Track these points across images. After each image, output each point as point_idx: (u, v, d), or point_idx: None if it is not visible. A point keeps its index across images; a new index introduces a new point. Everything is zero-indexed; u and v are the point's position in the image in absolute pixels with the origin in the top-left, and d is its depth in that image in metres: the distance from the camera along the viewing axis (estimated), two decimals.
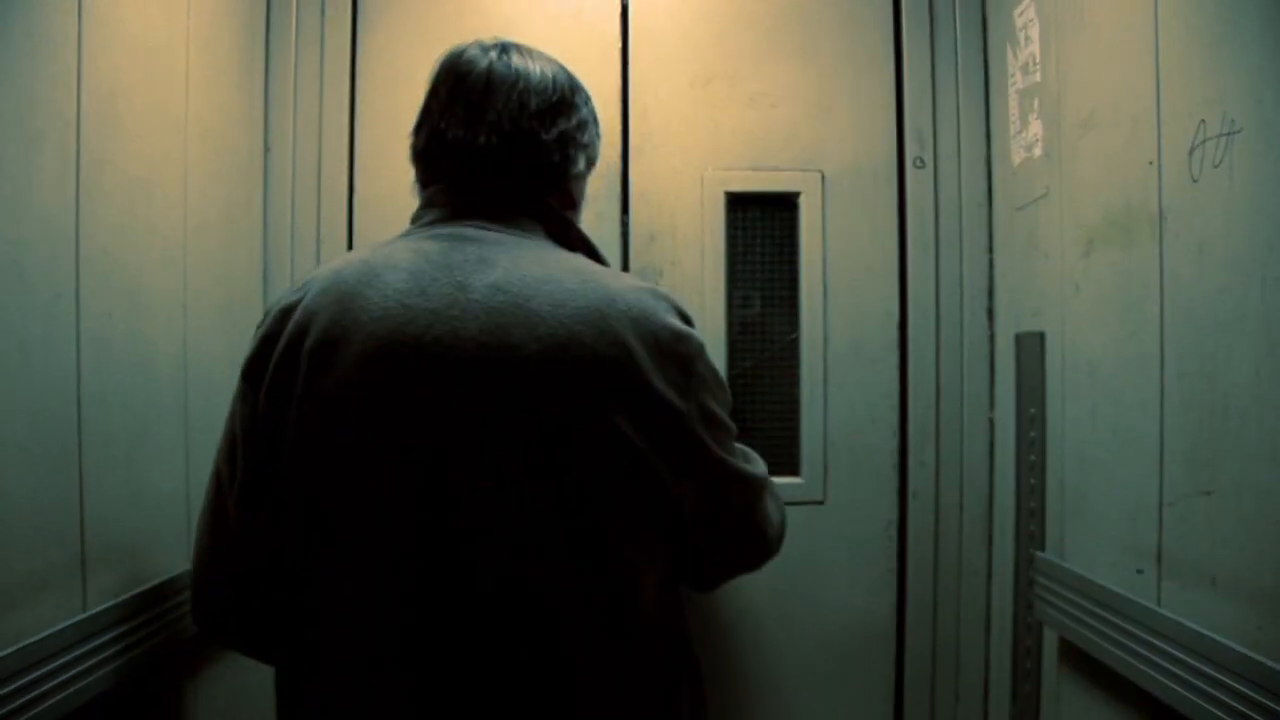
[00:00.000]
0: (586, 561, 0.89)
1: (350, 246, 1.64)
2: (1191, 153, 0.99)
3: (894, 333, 1.66)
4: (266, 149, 1.60)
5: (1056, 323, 1.35)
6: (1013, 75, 1.51)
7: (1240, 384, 0.92)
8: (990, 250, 1.64)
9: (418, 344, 0.87)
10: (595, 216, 1.62)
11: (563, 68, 1.06)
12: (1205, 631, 0.95)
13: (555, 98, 1.01)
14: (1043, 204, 1.40)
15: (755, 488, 1.03)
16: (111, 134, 1.08)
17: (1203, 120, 0.97)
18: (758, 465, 1.06)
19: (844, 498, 1.66)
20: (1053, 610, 1.31)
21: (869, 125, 1.67)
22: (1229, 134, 0.93)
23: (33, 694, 0.89)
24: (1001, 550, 1.59)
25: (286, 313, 0.93)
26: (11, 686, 0.86)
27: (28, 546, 0.92)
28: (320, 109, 1.63)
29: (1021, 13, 1.46)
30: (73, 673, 0.96)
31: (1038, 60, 1.40)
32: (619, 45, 1.67)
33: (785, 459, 1.67)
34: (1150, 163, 1.08)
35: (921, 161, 1.65)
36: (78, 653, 0.98)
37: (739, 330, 1.69)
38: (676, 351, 0.91)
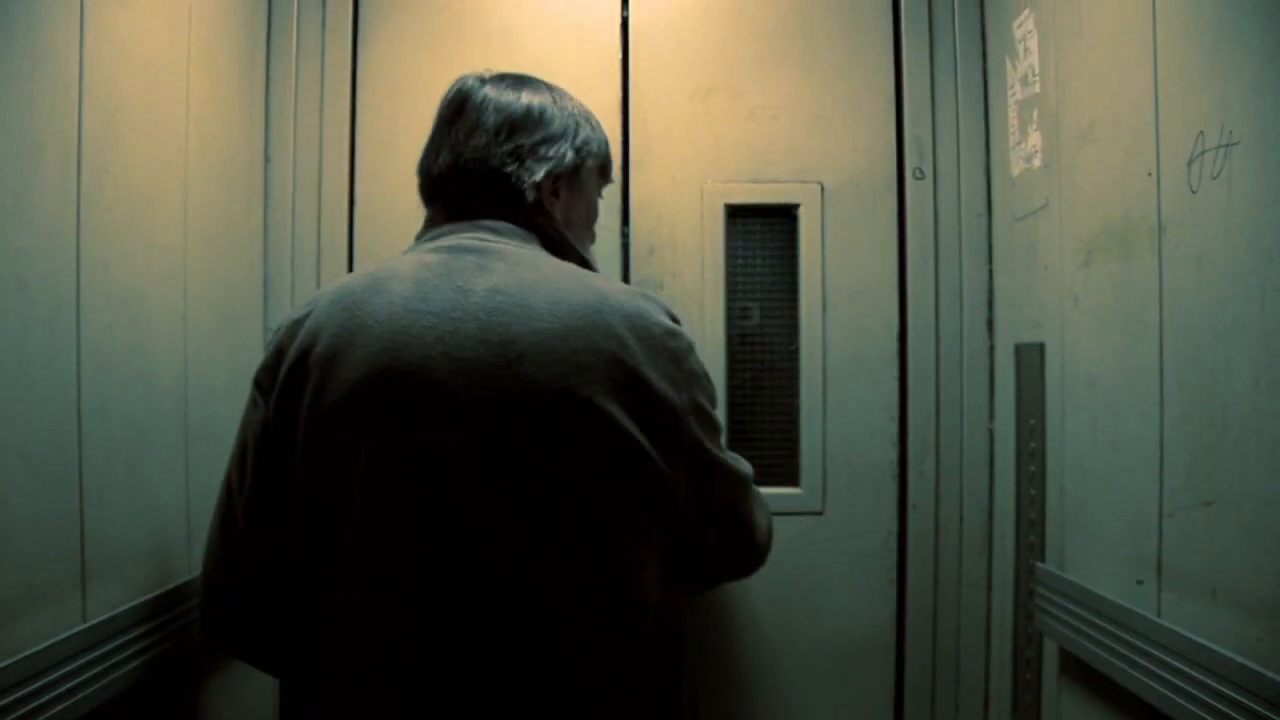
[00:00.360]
0: (586, 561, 0.91)
1: (351, 256, 1.64)
2: (1190, 164, 0.99)
3: (894, 343, 1.67)
4: (267, 159, 1.60)
5: (1056, 334, 1.35)
6: (1012, 86, 1.52)
7: (1240, 395, 0.92)
8: (990, 261, 1.64)
9: (421, 345, 0.90)
10: (595, 228, 1.61)
11: (556, 98, 1.10)
12: (1205, 642, 0.95)
13: (518, 117, 1.06)
14: (1042, 215, 1.40)
15: (743, 483, 1.07)
16: (112, 145, 1.09)
17: (1201, 132, 0.97)
18: (744, 465, 1.09)
19: (843, 509, 1.66)
20: (1053, 621, 1.31)
21: (869, 136, 1.68)
22: (1227, 145, 0.93)
23: (33, 705, 0.89)
24: (1001, 561, 1.59)
25: (298, 324, 0.97)
26: (11, 698, 0.86)
27: (28, 557, 0.92)
28: (321, 119, 1.63)
29: (1020, 24, 1.47)
30: (73, 683, 0.96)
31: (1037, 71, 1.41)
32: (619, 57, 1.67)
33: (785, 470, 1.67)
34: (1149, 174, 1.08)
35: (921, 172, 1.66)
36: (78, 663, 0.97)
37: (739, 342, 1.69)
38: (668, 346, 0.95)
